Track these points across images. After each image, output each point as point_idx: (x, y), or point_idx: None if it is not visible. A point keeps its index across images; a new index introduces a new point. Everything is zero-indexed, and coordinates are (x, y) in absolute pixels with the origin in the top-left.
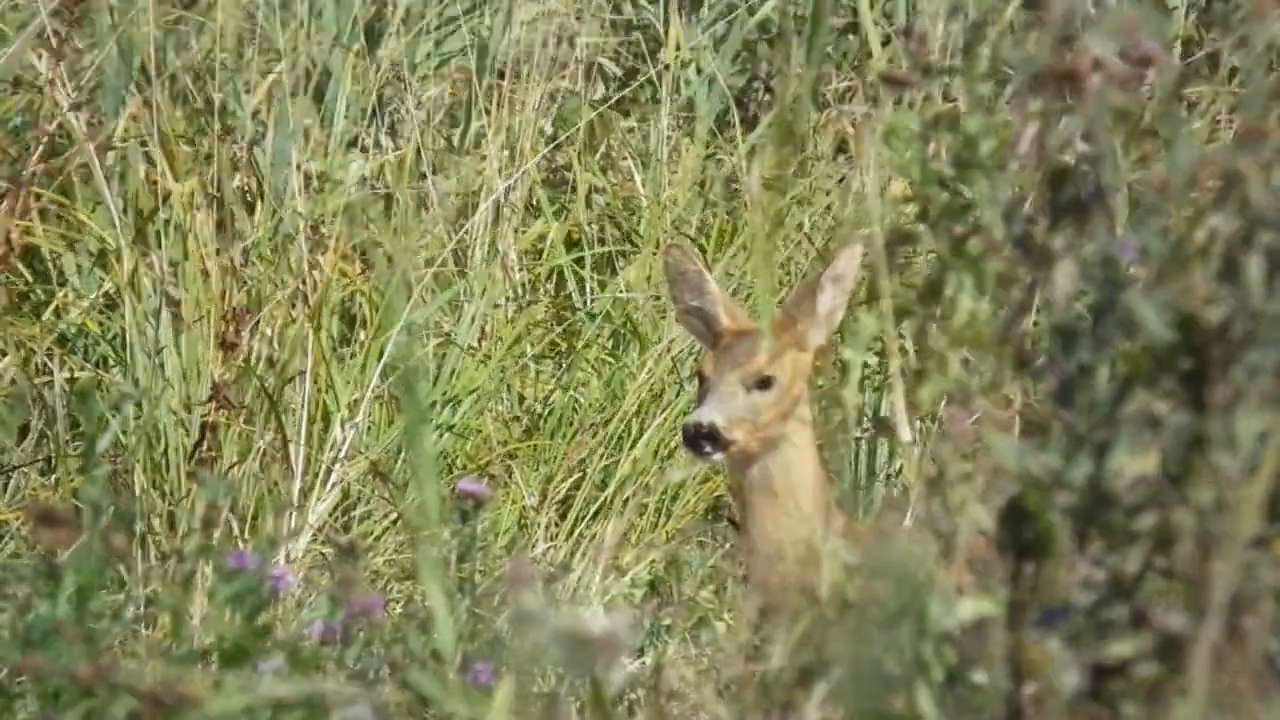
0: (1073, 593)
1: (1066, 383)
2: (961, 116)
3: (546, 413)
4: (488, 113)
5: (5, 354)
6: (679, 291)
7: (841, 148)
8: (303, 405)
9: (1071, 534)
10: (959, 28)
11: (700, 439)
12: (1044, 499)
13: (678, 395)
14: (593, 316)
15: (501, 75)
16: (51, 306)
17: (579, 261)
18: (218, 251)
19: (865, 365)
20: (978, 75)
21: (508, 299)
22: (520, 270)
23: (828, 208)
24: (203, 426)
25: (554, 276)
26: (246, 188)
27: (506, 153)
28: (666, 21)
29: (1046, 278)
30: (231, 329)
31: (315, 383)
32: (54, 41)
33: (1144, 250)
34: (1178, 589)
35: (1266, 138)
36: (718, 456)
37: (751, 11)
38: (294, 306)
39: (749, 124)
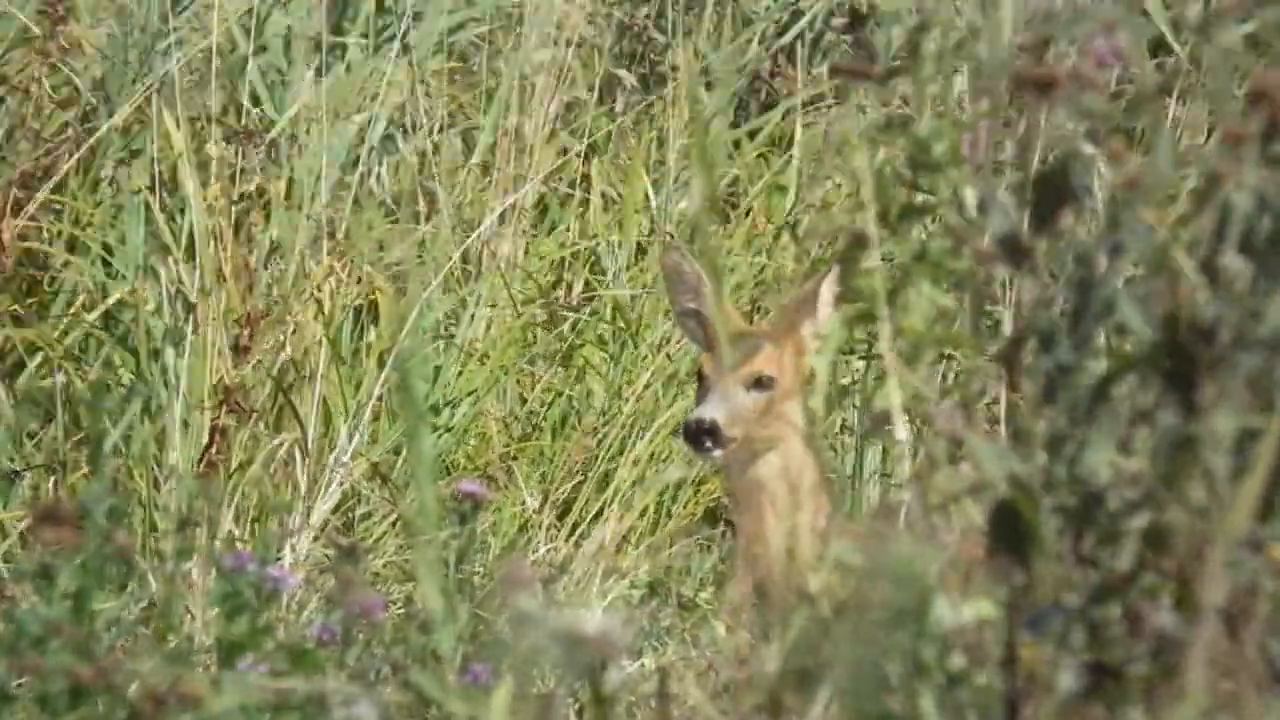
0: (1064, 593)
1: (1049, 382)
2: (912, 119)
3: (546, 414)
4: (502, 120)
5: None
6: (676, 293)
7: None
8: (314, 408)
9: (1061, 534)
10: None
11: (701, 435)
12: (1030, 501)
13: (673, 399)
14: (593, 314)
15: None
16: (55, 308)
17: (590, 268)
18: (232, 255)
19: (866, 367)
20: (925, 77)
21: (513, 302)
22: (522, 270)
23: (825, 208)
24: (213, 429)
25: (556, 276)
26: (265, 191)
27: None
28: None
29: (1027, 277)
30: (246, 333)
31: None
32: (41, 40)
33: (1120, 248)
34: (1169, 587)
35: (1244, 140)
36: (718, 454)
37: (746, 21)
38: (299, 309)
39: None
